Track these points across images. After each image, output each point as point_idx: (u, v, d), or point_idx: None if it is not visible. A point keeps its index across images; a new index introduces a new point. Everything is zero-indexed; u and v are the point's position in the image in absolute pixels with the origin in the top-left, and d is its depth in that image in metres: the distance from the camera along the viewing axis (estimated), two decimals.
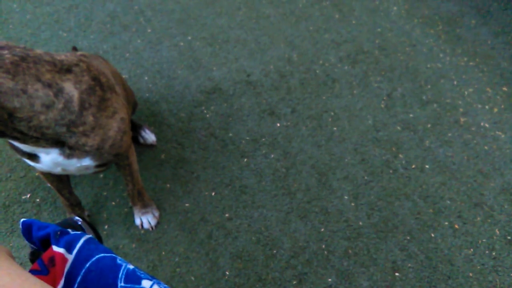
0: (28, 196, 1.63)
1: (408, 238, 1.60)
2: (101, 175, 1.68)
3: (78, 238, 0.72)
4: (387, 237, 1.60)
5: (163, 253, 1.51)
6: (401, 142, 1.87)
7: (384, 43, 2.27)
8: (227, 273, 1.47)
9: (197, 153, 1.79)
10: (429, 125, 1.93)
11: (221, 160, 1.78)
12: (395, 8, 2.46)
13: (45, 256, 0.71)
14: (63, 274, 0.68)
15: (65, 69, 1.01)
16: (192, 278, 1.45)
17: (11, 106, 0.91)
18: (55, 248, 0.70)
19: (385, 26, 2.36)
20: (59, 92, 0.98)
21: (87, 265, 0.68)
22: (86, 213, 1.56)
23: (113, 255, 0.71)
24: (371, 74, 2.11)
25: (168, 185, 1.69)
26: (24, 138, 0.99)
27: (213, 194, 1.68)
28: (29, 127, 0.96)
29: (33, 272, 0.69)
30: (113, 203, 1.62)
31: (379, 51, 2.23)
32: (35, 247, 0.80)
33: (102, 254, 0.70)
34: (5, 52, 0.92)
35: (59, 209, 1.59)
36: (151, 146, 1.78)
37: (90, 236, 0.75)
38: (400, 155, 1.83)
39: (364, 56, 2.19)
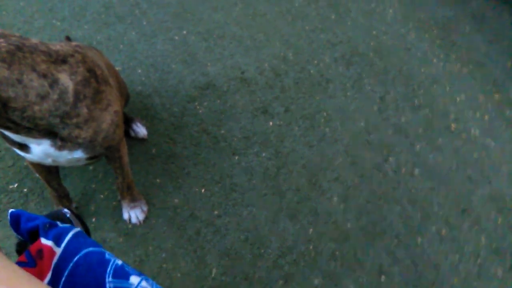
0: (16, 185, 1.61)
1: (396, 242, 1.61)
2: (91, 167, 1.67)
3: (67, 231, 0.72)
4: (375, 241, 1.61)
5: (150, 248, 1.50)
6: (392, 146, 1.88)
7: (379, 46, 2.28)
8: (214, 270, 1.46)
9: (188, 149, 1.78)
10: (420, 130, 1.94)
11: (213, 157, 1.77)
12: (391, 11, 2.47)
13: (33, 248, 0.70)
14: (50, 267, 0.67)
15: (61, 60, 0.99)
16: (179, 275, 1.44)
17: (6, 96, 0.90)
18: (43, 240, 0.69)
19: (381, 28, 2.37)
20: (54, 82, 0.96)
21: (75, 259, 0.68)
22: (74, 205, 1.55)
23: (102, 249, 0.71)
24: (365, 76, 2.12)
25: (158, 180, 1.68)
26: (16, 128, 0.98)
27: (203, 191, 1.67)
28: (23, 117, 0.95)
29: (20, 264, 0.68)
30: (102, 196, 1.61)
31: (373, 54, 2.23)
32: (22, 238, 0.79)
33: (91, 248, 0.69)
34: (1, 40, 0.90)
35: (47, 200, 1.57)
36: (142, 140, 1.77)
37: (79, 229, 0.74)
38: (391, 159, 1.84)
39: (358, 58, 2.20)
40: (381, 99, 2.04)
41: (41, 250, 0.69)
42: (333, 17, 2.38)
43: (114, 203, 1.60)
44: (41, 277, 0.66)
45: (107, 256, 0.69)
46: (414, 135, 1.92)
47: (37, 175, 1.43)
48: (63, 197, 1.48)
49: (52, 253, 0.68)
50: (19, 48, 0.92)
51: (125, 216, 1.54)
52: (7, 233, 1.49)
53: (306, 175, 1.73)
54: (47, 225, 0.72)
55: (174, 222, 1.57)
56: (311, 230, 1.59)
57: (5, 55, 0.89)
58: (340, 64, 2.15)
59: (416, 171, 1.81)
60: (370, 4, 2.48)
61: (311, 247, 1.55)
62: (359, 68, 2.15)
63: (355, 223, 1.64)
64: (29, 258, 0.68)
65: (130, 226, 1.54)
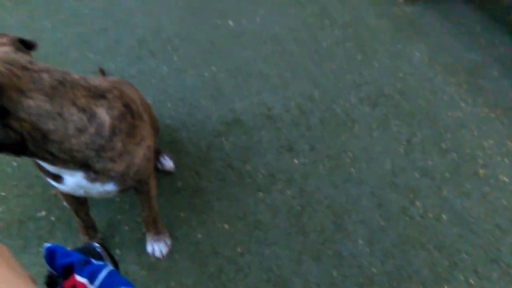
0: (44, 213, 1.64)
1: None
2: (117, 198, 1.69)
3: (100, 269, 0.72)
4: (400, 286, 1.57)
5: (172, 283, 1.49)
6: (418, 189, 1.85)
7: (405, 88, 2.29)
8: None
9: (213, 184, 1.79)
10: (447, 174, 1.91)
11: (237, 192, 1.77)
12: (417, 54, 2.49)
13: (67, 284, 0.71)
14: None
15: (99, 95, 1.03)
16: None
17: (46, 128, 0.93)
18: (78, 277, 0.70)
19: (407, 70, 2.38)
20: (92, 117, 0.99)
21: None
22: (99, 235, 1.56)
23: None
24: (391, 118, 2.12)
25: (182, 214, 1.68)
26: (53, 159, 1.01)
27: (226, 226, 1.67)
28: (61, 149, 0.97)
29: None
30: (127, 227, 1.62)
31: (399, 95, 2.24)
32: (54, 272, 0.80)
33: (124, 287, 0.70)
34: (45, 75, 0.94)
35: (73, 229, 1.59)
36: (168, 173, 1.79)
37: (112, 268, 0.75)
38: (417, 203, 1.81)
39: (384, 99, 2.21)
40: (407, 141, 2.03)
41: (74, 287, 0.69)
42: (359, 58, 2.41)
43: (138, 235, 1.60)
44: None
45: None
46: (441, 179, 1.89)
47: (66, 204, 1.45)
48: (90, 227, 1.50)
49: None
50: (61, 82, 0.96)
51: (149, 249, 1.55)
52: (33, 260, 1.51)
53: (331, 216, 1.72)
54: (82, 262, 0.72)
55: (196, 257, 1.56)
56: (335, 272, 1.56)
57: (48, 90, 0.93)
58: (366, 104, 2.16)
59: (443, 216, 1.77)
60: (397, 46, 2.51)
61: None
62: (385, 109, 2.15)
63: (381, 268, 1.60)
64: None
65: (153, 259, 1.54)
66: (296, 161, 1.90)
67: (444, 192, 1.84)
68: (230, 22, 2.53)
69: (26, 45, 1.05)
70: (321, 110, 2.11)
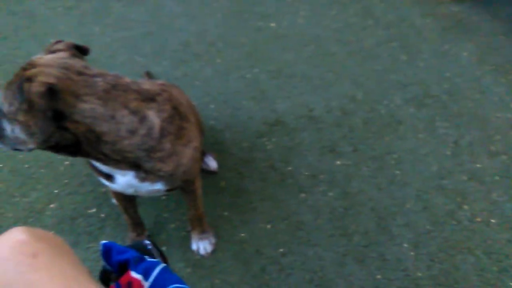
0: (94, 210, 1.71)
1: None
2: (163, 197, 1.74)
3: (154, 265, 0.75)
4: None
5: (217, 281, 1.52)
6: (466, 193, 1.80)
7: (452, 88, 2.22)
8: None
9: (256, 184, 1.81)
10: (497, 178, 1.84)
11: (279, 193, 1.79)
12: (465, 53, 2.41)
13: (123, 280, 0.74)
14: None
15: (149, 98, 1.07)
16: None
17: (100, 130, 0.98)
18: (133, 274, 0.73)
19: (454, 71, 2.31)
20: (143, 119, 1.04)
21: None
22: (147, 232, 1.61)
23: (187, 286, 0.73)
24: (438, 119, 2.06)
25: (226, 213, 1.71)
26: (106, 160, 1.06)
27: (269, 227, 1.68)
28: (113, 150, 1.02)
29: None
30: (173, 225, 1.67)
31: (447, 96, 2.18)
32: (109, 268, 0.83)
33: (177, 285, 0.72)
34: (99, 79, 0.99)
35: (122, 226, 1.65)
36: (212, 173, 1.82)
37: (165, 265, 0.77)
38: (465, 206, 1.75)
39: (431, 99, 2.15)
40: (454, 143, 1.97)
41: (130, 283, 0.72)
42: (404, 58, 2.36)
43: (183, 233, 1.65)
44: None
45: None
46: (491, 182, 1.82)
47: (116, 202, 1.51)
48: (138, 225, 1.55)
49: (141, 286, 0.71)
50: (114, 86, 1.00)
51: (194, 247, 1.59)
52: (84, 255, 1.57)
53: (375, 218, 1.69)
54: (137, 259, 0.76)
55: (240, 256, 1.59)
56: (379, 276, 1.54)
57: (102, 93, 0.98)
58: (411, 105, 2.12)
59: (492, 220, 1.71)
60: (443, 46, 2.44)
61: None
62: (431, 110, 2.10)
63: (426, 272, 1.56)
64: None
65: (198, 257, 1.58)
66: (338, 162, 1.89)
67: (493, 196, 1.78)
68: (272, 24, 2.55)
69: (80, 50, 1.10)
70: (364, 111, 2.09)
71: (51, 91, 0.89)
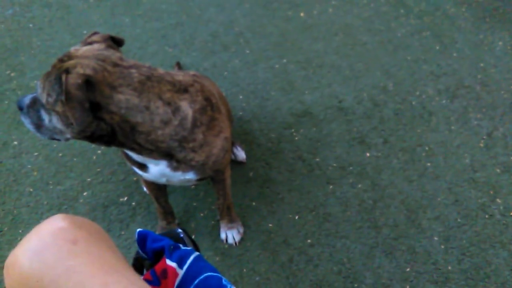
0: (126, 199, 1.75)
1: None
2: (193, 187, 1.76)
3: (189, 254, 0.77)
4: (477, 286, 1.50)
5: (245, 270, 1.54)
6: (499, 186, 1.75)
7: (486, 79, 2.15)
8: None
9: (283, 175, 1.81)
10: None
11: (307, 184, 1.78)
12: (500, 43, 2.33)
13: (158, 267, 0.76)
14: (173, 287, 0.72)
15: (183, 89, 1.08)
16: None
17: (134, 121, 1.00)
18: (168, 261, 0.75)
19: (489, 61, 2.24)
20: (176, 110, 1.05)
21: (196, 282, 0.72)
22: (177, 221, 1.64)
23: (219, 275, 0.74)
24: (471, 111, 2.01)
25: (253, 203, 1.72)
26: (140, 149, 1.08)
27: (296, 217, 1.68)
28: (147, 140, 1.04)
29: (146, 281, 0.74)
30: (202, 214, 1.69)
31: (481, 87, 2.12)
32: (144, 255, 0.85)
33: (210, 273, 0.74)
34: (134, 71, 1.01)
35: (152, 214, 1.68)
36: (240, 163, 1.83)
37: (199, 253, 0.79)
38: (498, 200, 1.71)
39: (464, 90, 2.10)
40: (488, 135, 1.92)
41: (165, 270, 0.74)
42: (437, 48, 2.30)
43: (212, 222, 1.67)
44: None
45: (223, 282, 0.73)
46: None
47: (146, 190, 1.54)
48: (168, 213, 1.58)
49: (175, 274, 0.73)
50: (148, 78, 1.02)
51: (222, 236, 1.61)
52: (116, 242, 1.62)
53: (405, 211, 1.67)
54: (172, 247, 0.77)
55: (268, 246, 1.60)
56: (408, 269, 1.53)
57: (137, 85, 0.99)
58: (444, 96, 2.07)
59: None
60: (478, 35, 2.37)
61: (407, 286, 1.49)
62: (464, 102, 2.04)
63: (457, 266, 1.54)
64: (154, 277, 0.74)
65: (226, 246, 1.60)
66: (368, 154, 1.87)
67: None
68: (302, 14, 2.52)
69: (115, 42, 1.12)
70: (395, 102, 2.05)
71: (88, 83, 0.92)
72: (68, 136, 1.04)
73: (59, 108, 0.95)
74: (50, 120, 1.01)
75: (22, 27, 2.46)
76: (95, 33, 1.11)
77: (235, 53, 2.30)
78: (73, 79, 0.90)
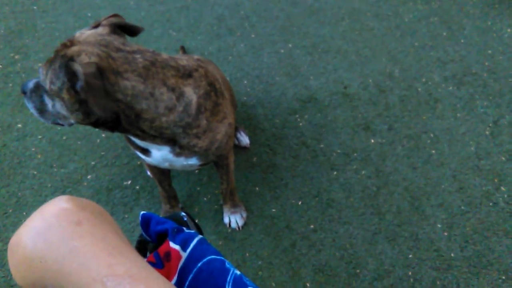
0: (129, 182, 1.76)
1: (503, 278, 1.49)
2: (196, 171, 1.77)
3: (192, 237, 0.77)
4: (480, 274, 1.50)
5: (247, 254, 1.55)
6: (504, 174, 1.74)
7: (494, 66, 2.13)
8: (308, 285, 1.47)
9: (287, 160, 1.81)
10: None
11: (311, 170, 1.78)
12: (509, 30, 2.30)
13: (161, 250, 0.76)
14: (177, 269, 0.72)
15: (187, 74, 1.07)
16: (273, 284, 1.47)
17: (139, 108, 0.99)
18: (171, 244, 0.75)
19: (497, 48, 2.21)
20: (180, 96, 1.04)
21: (199, 264, 0.72)
22: (180, 205, 1.65)
23: (223, 258, 0.75)
24: (478, 98, 1.99)
25: (257, 188, 1.73)
26: (144, 135, 1.07)
27: (299, 203, 1.69)
28: (151, 126, 1.04)
29: (149, 264, 0.74)
30: (205, 198, 1.70)
31: (488, 74, 2.09)
32: (147, 238, 0.86)
33: (213, 256, 0.74)
34: (138, 56, 0.99)
35: (156, 198, 1.69)
36: (244, 148, 1.83)
37: (202, 236, 0.79)
38: (503, 188, 1.70)
39: (471, 77, 2.07)
40: (494, 123, 1.90)
41: (169, 253, 0.74)
42: (444, 34, 2.27)
43: (215, 206, 1.68)
44: (168, 278, 0.72)
45: (227, 265, 0.73)
46: None
47: (151, 175, 1.55)
48: (171, 197, 1.59)
49: (179, 256, 0.73)
50: (152, 63, 1.00)
51: (226, 220, 1.61)
52: (119, 225, 1.63)
53: (408, 198, 1.67)
54: (175, 230, 0.77)
55: (270, 231, 1.61)
56: (410, 255, 1.53)
57: (142, 70, 0.97)
58: (450, 83, 2.05)
59: None
60: (486, 22, 2.33)
61: (410, 273, 1.49)
62: (471, 89, 2.02)
63: (459, 253, 1.54)
64: (157, 259, 0.74)
65: (229, 230, 1.61)
66: (372, 140, 1.86)
67: None
68: None
69: (130, 30, 1.09)
70: (401, 88, 2.04)
71: (99, 70, 0.90)
72: (72, 121, 1.03)
73: (65, 94, 0.94)
74: (53, 106, 1.00)
75: (26, 10, 2.44)
76: (114, 16, 1.08)
77: (240, 37, 2.28)
78: (87, 69, 0.88)
